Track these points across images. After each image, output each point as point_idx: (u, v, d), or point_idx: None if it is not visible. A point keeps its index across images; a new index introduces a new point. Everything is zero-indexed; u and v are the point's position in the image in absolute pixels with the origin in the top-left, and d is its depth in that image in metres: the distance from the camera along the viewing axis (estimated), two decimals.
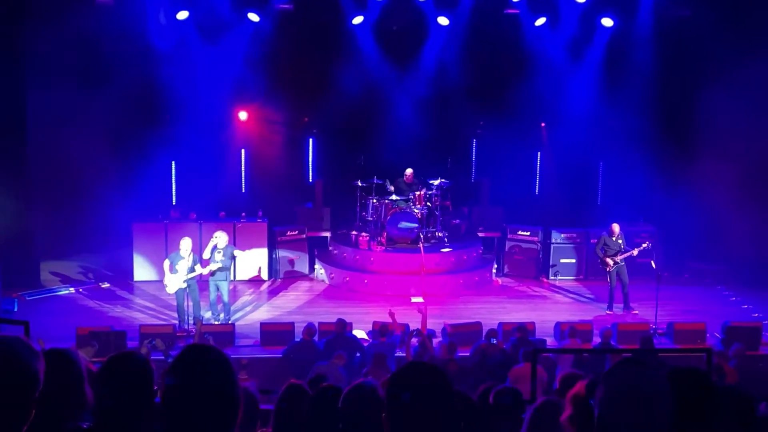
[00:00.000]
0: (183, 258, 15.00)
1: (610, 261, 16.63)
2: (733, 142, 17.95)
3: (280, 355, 13.26)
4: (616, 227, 16.80)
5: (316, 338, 13.32)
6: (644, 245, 16.78)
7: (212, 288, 15.42)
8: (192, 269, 15.03)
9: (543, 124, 21.15)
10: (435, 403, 2.84)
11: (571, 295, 18.34)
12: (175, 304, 15.43)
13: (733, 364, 11.89)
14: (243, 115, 20.16)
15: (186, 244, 15.13)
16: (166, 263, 15.20)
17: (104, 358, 3.92)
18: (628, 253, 16.74)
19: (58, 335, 13.21)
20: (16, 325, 7.73)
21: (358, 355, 12.76)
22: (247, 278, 18.98)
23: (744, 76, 16.90)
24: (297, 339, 13.40)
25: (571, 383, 6.30)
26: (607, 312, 16.77)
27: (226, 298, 15.60)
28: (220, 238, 15.34)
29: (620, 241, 16.77)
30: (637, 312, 16.56)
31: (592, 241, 19.14)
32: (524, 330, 13.04)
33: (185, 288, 15.08)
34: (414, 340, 12.20)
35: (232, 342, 14.43)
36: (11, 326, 9.85)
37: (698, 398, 2.97)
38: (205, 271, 15.26)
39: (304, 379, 6.07)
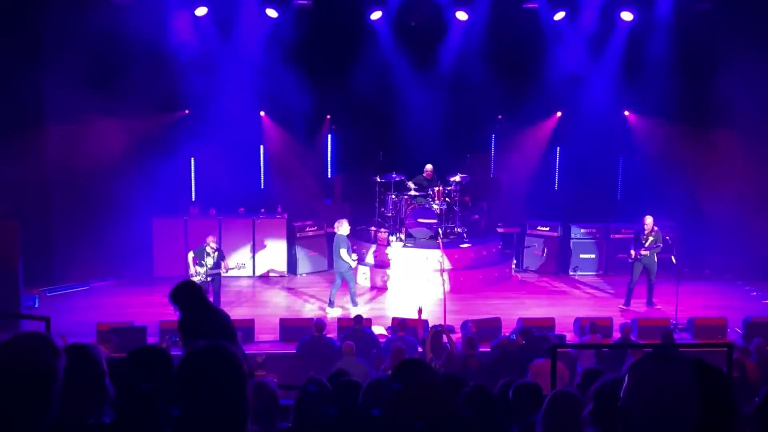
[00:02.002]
0: (209, 254, 15.35)
1: (632, 252, 16.45)
2: (755, 137, 17.83)
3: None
4: (647, 219, 16.44)
5: (327, 334, 13.35)
6: (657, 245, 16.41)
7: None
8: (217, 265, 15.37)
9: (559, 114, 20.96)
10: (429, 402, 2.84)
11: (591, 291, 18.27)
12: None
13: (754, 359, 11.80)
14: (262, 112, 20.23)
15: (212, 241, 15.49)
16: (191, 255, 15.46)
17: (124, 353, 3.93)
18: (647, 251, 16.31)
19: (78, 331, 13.25)
20: (38, 321, 7.77)
21: (374, 351, 12.76)
22: (266, 274, 19.05)
23: (765, 70, 16.77)
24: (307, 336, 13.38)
25: (592, 378, 6.28)
26: (622, 307, 16.54)
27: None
28: (210, 243, 15.56)
29: (651, 237, 16.34)
30: (659, 307, 16.38)
31: (611, 236, 19.15)
32: (528, 331, 12.90)
33: (209, 281, 15.38)
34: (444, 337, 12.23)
35: (251, 337, 14.46)
36: (33, 322, 9.91)
37: (715, 395, 2.94)
38: (223, 271, 15.56)
39: (318, 375, 6.06)
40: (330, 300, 16.46)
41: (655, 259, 16.48)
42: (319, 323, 13.11)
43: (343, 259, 16.10)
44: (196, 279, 15.36)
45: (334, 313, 16.15)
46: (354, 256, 16.65)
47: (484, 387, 5.02)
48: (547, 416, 4.61)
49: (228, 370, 2.79)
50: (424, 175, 19.23)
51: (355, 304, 16.39)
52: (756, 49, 16.89)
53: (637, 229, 16.71)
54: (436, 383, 2.95)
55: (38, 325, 7.52)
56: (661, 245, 16.51)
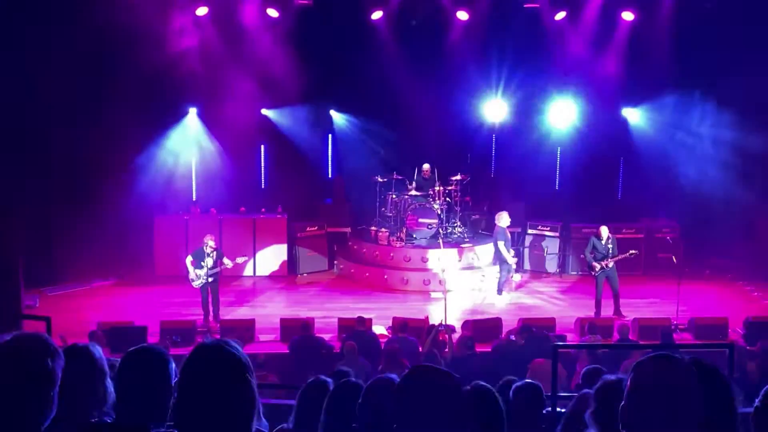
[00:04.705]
0: (208, 255, 15.25)
1: (596, 265, 16.10)
2: (754, 135, 17.78)
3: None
4: (603, 230, 16.20)
5: (323, 336, 13.41)
6: (630, 252, 16.22)
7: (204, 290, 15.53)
8: (217, 264, 15.29)
9: (560, 113, 20.77)
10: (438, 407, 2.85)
11: (592, 291, 18.20)
12: (200, 300, 15.63)
13: (759, 361, 11.74)
14: (263, 111, 20.17)
15: (210, 240, 15.35)
16: (189, 260, 15.37)
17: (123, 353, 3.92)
18: (616, 258, 16.06)
19: (79, 330, 13.23)
20: (38, 321, 7.77)
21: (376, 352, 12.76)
22: (266, 273, 19.05)
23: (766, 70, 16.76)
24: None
25: (593, 378, 6.27)
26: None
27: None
28: (209, 243, 15.47)
29: (610, 246, 16.10)
30: (626, 317, 15.69)
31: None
32: (529, 329, 12.93)
33: (210, 282, 15.31)
34: (444, 336, 12.28)
35: (252, 338, 14.46)
36: (34, 321, 9.91)
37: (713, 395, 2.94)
38: (230, 264, 15.51)
39: (312, 373, 6.07)
40: (498, 288, 17.42)
41: (615, 267, 16.19)
42: (305, 323, 13.17)
43: (500, 251, 17.12)
44: (197, 283, 15.32)
45: (502, 301, 17.22)
46: (512, 251, 17.61)
47: (484, 386, 5.01)
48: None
49: (234, 367, 2.79)
50: (422, 174, 19.22)
51: (499, 292, 17.38)
52: (758, 48, 16.85)
53: (592, 241, 16.34)
54: (449, 375, 2.97)
55: (39, 325, 7.53)
56: (618, 255, 16.25)
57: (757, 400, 3.40)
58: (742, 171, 17.91)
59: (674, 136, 19.39)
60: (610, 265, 16.05)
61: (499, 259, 17.46)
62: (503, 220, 17.25)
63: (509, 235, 17.57)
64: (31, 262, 16.12)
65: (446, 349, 12.42)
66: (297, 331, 13.51)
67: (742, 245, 18.73)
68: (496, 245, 17.24)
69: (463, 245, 18.71)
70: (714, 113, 18.61)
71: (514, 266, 17.71)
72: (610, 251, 16.12)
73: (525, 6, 19.34)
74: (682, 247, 17.53)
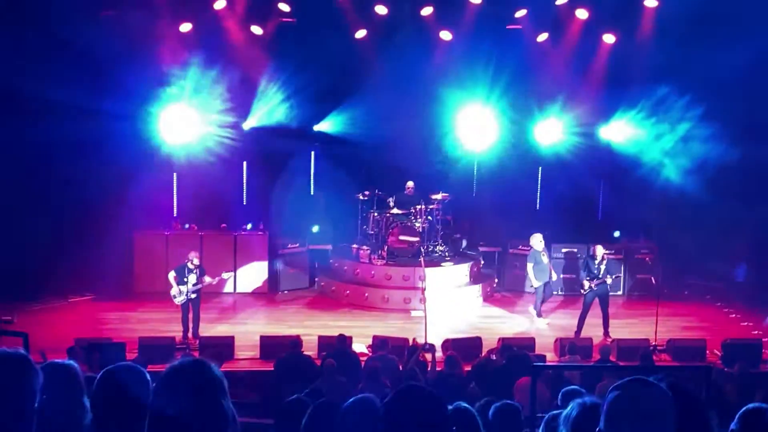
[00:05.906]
0: (191, 271, 15.22)
1: (585, 284, 16.20)
2: (732, 156, 17.90)
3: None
4: (599, 250, 16.30)
5: (310, 353, 13.33)
6: (615, 276, 16.73)
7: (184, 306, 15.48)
8: (199, 281, 15.25)
9: (541, 133, 20.83)
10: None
11: (572, 311, 18.25)
12: (179, 315, 15.53)
13: (733, 383, 11.81)
14: (245, 126, 20.11)
15: (195, 258, 15.36)
16: (172, 275, 15.31)
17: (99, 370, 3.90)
18: (601, 281, 16.05)
19: (56, 347, 13.11)
20: (15, 337, 7.72)
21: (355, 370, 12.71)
22: (247, 290, 18.99)
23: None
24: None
25: (572, 399, 6.27)
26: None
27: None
28: (193, 260, 15.43)
29: (603, 267, 16.13)
30: (611, 339, 15.55)
31: None
32: (509, 348, 12.95)
33: (192, 299, 15.29)
34: (428, 355, 12.28)
35: (231, 355, 14.39)
36: (11, 338, 9.82)
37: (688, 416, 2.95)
38: (214, 280, 15.63)
39: (296, 392, 6.05)
40: (537, 311, 17.41)
41: (608, 289, 16.36)
42: (294, 341, 13.10)
43: (529, 273, 17.38)
44: (179, 299, 15.27)
45: (540, 324, 17.12)
46: (554, 275, 17.69)
47: (465, 407, 5.02)
48: None
49: (208, 385, 2.78)
50: (405, 192, 19.26)
51: (538, 315, 17.38)
52: (737, 71, 16.98)
53: (586, 259, 16.51)
54: (435, 397, 2.98)
55: (16, 341, 7.47)
56: (614, 275, 16.49)
57: (733, 423, 3.42)
58: (721, 193, 18.01)
59: (654, 157, 19.50)
60: (595, 285, 16.05)
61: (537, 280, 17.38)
62: (535, 242, 17.29)
63: (543, 257, 17.36)
64: (7, 277, 16.00)
65: (428, 368, 12.41)
66: (282, 348, 13.44)
67: (721, 266, 18.84)
68: (529, 267, 17.40)
69: (443, 264, 18.73)
70: (694, 134, 18.72)
71: (534, 288, 17.62)
72: (602, 272, 16.12)
73: (507, 27, 19.47)
74: (660, 268, 17.61)
